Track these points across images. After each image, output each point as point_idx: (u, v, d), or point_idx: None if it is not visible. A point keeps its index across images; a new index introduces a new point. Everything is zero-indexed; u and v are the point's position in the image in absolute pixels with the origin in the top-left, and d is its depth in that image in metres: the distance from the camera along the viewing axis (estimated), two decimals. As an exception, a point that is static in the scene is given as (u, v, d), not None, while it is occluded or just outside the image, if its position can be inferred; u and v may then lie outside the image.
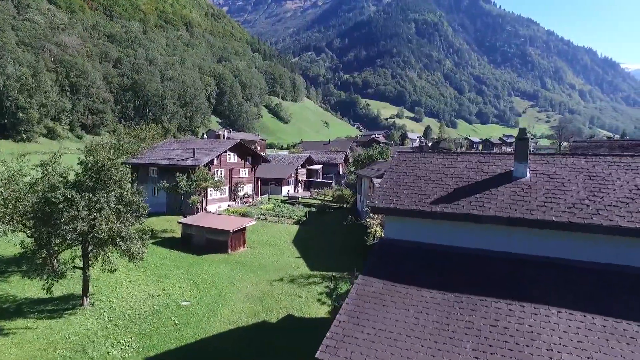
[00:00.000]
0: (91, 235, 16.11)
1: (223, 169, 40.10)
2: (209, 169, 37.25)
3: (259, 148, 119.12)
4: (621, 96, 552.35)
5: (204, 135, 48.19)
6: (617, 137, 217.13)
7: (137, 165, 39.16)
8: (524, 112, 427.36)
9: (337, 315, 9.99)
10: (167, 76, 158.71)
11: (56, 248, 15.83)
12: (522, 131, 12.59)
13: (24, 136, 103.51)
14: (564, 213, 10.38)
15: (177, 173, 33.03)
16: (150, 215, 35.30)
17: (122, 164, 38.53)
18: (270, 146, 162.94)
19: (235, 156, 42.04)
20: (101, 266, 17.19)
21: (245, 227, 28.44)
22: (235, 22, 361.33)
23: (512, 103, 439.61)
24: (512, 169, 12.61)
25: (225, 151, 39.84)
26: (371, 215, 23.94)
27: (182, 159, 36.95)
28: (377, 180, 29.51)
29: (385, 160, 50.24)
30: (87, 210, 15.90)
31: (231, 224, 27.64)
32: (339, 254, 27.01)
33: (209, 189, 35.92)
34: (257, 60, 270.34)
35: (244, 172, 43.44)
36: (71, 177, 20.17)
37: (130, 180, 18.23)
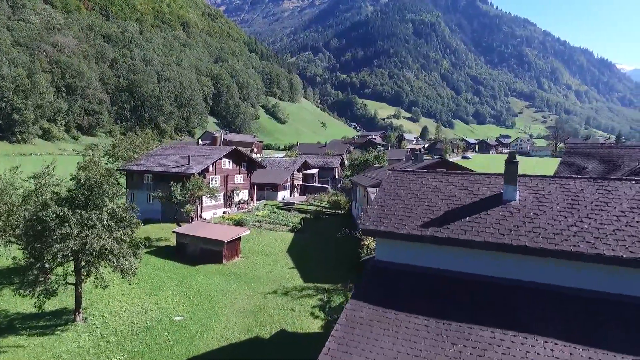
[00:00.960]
0: (83, 253, 16.07)
1: (218, 176, 40.09)
2: (204, 177, 37.18)
3: (255, 150, 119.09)
4: (617, 97, 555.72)
5: (199, 142, 48.02)
6: (612, 137, 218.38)
7: (132, 172, 39.16)
8: (520, 113, 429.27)
9: (327, 342, 10.04)
10: (163, 77, 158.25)
11: (47, 265, 15.77)
12: (512, 155, 12.65)
13: (19, 137, 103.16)
14: (552, 240, 10.45)
15: (172, 182, 32.93)
16: (145, 222, 35.39)
17: (117, 170, 38.55)
18: (268, 147, 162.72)
19: (231, 162, 42.01)
20: (93, 282, 17.18)
21: (240, 237, 28.44)
22: (233, 22, 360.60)
23: (509, 103, 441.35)
24: (502, 191, 12.70)
25: (221, 158, 39.81)
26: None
27: (177, 166, 36.89)
28: (371, 190, 29.60)
29: (381, 165, 50.37)
30: (79, 228, 15.87)
31: (226, 233, 27.64)
32: (333, 264, 27.05)
33: (204, 197, 35.90)
34: (254, 60, 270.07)
35: (239, 178, 43.43)
36: (65, 188, 20.12)
37: (124, 193, 18.17)
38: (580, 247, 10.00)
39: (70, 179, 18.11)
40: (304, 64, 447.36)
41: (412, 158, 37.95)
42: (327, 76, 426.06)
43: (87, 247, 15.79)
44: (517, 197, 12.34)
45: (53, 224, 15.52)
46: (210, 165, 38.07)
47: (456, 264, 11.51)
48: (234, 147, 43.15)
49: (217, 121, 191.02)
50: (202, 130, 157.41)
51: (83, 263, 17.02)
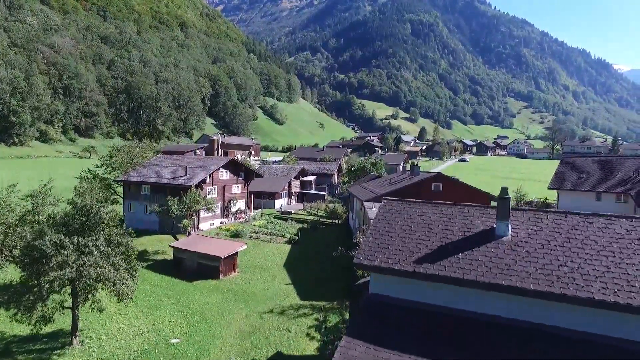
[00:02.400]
0: (80, 280, 16.16)
1: (215, 187, 40.14)
2: (202, 188, 37.25)
3: (254, 152, 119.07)
4: (614, 97, 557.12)
5: (197, 151, 48.12)
6: (609, 138, 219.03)
7: (129, 183, 39.18)
8: (518, 113, 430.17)
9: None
10: (161, 78, 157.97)
11: (44, 292, 15.83)
12: (504, 191, 12.80)
13: (16, 140, 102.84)
14: (542, 281, 10.63)
15: (169, 196, 32.97)
16: (142, 234, 35.42)
17: (114, 180, 38.55)
18: (265, 149, 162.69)
19: (228, 172, 42.04)
20: (90, 305, 17.26)
21: (237, 252, 28.53)
22: (231, 23, 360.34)
23: (507, 104, 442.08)
24: (494, 225, 12.85)
25: (218, 169, 39.86)
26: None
27: (174, 177, 36.93)
28: (368, 204, 29.75)
29: (379, 174, 50.58)
30: (75, 255, 15.95)
31: (222, 249, 27.71)
32: (330, 280, 27.18)
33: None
34: (252, 60, 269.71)
35: (236, 188, 43.47)
36: (62, 207, 20.16)
37: (121, 217, 18.19)
38: (570, 290, 10.18)
39: (68, 202, 18.18)
40: (302, 64, 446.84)
41: (409, 170, 38.14)
42: (325, 76, 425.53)
43: (83, 274, 15.88)
44: (510, 232, 12.51)
45: (50, 251, 15.60)
46: (208, 177, 38.13)
47: (449, 301, 11.68)
48: (231, 157, 43.21)
49: (215, 122, 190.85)
50: (200, 132, 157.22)
51: (80, 285, 17.09)
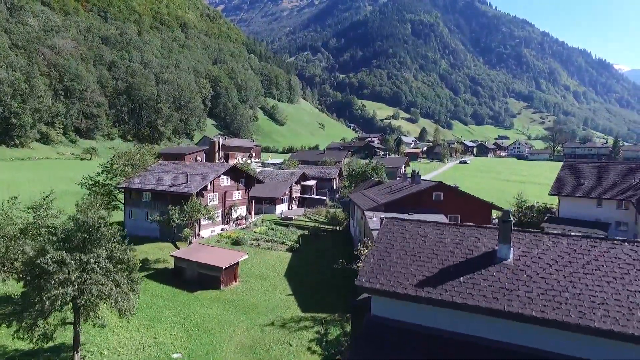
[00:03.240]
0: (81, 298, 16.17)
1: (216, 193, 40.14)
2: (202, 195, 37.26)
3: (254, 154, 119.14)
4: (615, 97, 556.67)
5: (198, 158, 48.10)
6: (610, 139, 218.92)
7: (130, 190, 39.22)
8: (518, 113, 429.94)
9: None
10: (162, 79, 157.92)
11: (45, 309, 15.83)
12: (506, 213, 12.80)
13: (17, 142, 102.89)
14: (544, 307, 10.62)
15: (170, 205, 32.99)
16: (143, 241, 35.51)
17: (115, 187, 38.54)
18: (266, 150, 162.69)
19: (229, 179, 42.05)
20: (92, 320, 17.27)
21: (238, 262, 28.54)
22: (231, 23, 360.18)
23: (507, 104, 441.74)
24: (496, 247, 12.86)
25: (219, 175, 39.86)
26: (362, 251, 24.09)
27: (175, 185, 36.93)
28: (369, 214, 29.76)
29: (379, 179, 50.63)
30: (77, 272, 15.96)
31: (223, 259, 27.70)
32: (330, 289, 27.18)
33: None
34: (252, 61, 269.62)
35: (237, 195, 43.48)
36: (63, 218, 20.16)
37: (122, 234, 18.16)
38: (572, 317, 10.18)
39: (69, 218, 18.19)
40: (303, 64, 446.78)
41: (410, 177, 38.14)
42: (326, 76, 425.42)
43: (85, 291, 15.89)
44: (511, 255, 12.51)
45: (51, 269, 15.61)
46: (209, 184, 38.14)
47: (451, 324, 11.70)
48: (232, 164, 43.20)
49: (215, 123, 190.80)
50: (201, 133, 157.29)
51: (82, 302, 17.09)
